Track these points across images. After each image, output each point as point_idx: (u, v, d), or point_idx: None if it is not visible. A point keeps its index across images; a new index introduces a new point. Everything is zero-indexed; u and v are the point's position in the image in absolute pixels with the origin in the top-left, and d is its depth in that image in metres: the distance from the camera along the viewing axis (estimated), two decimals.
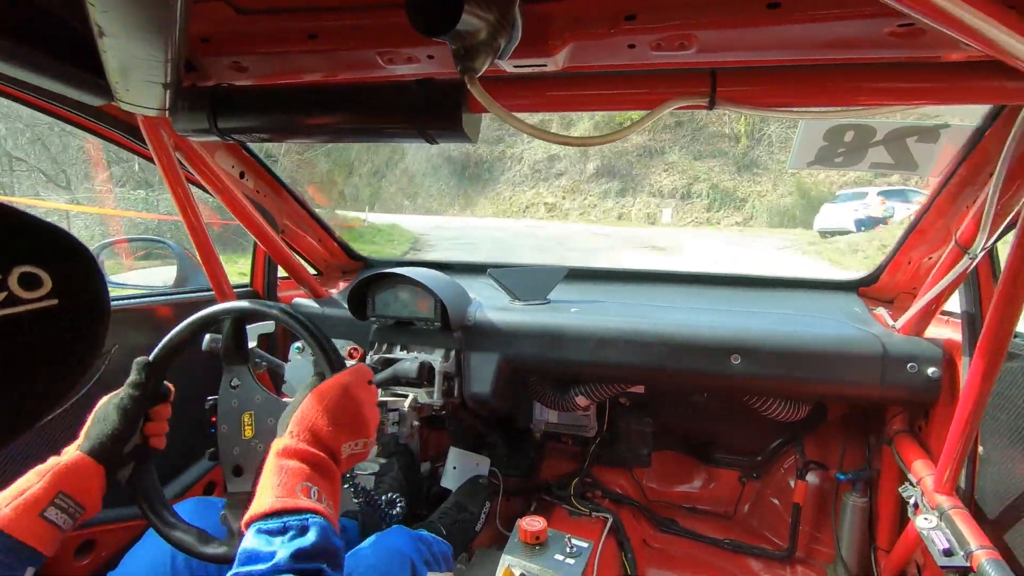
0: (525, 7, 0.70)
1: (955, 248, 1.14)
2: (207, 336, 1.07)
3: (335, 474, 0.79)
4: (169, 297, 1.65)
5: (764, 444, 1.88)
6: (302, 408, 0.82)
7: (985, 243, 1.04)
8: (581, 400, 1.74)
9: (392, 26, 0.79)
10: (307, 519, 0.68)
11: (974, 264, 1.10)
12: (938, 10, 0.52)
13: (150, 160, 1.33)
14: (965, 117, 1.09)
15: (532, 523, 1.30)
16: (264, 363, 1.29)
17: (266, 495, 0.70)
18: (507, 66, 0.82)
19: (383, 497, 1.29)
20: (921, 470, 1.31)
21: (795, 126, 1.15)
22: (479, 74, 0.73)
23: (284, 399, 1.02)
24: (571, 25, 0.74)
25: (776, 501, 1.87)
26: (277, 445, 0.77)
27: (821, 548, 1.75)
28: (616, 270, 2.01)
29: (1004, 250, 0.97)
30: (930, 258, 1.43)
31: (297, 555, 0.64)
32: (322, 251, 2.06)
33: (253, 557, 0.64)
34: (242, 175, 1.60)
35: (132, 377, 0.93)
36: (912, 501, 1.30)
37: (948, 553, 1.14)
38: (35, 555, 0.75)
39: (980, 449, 1.24)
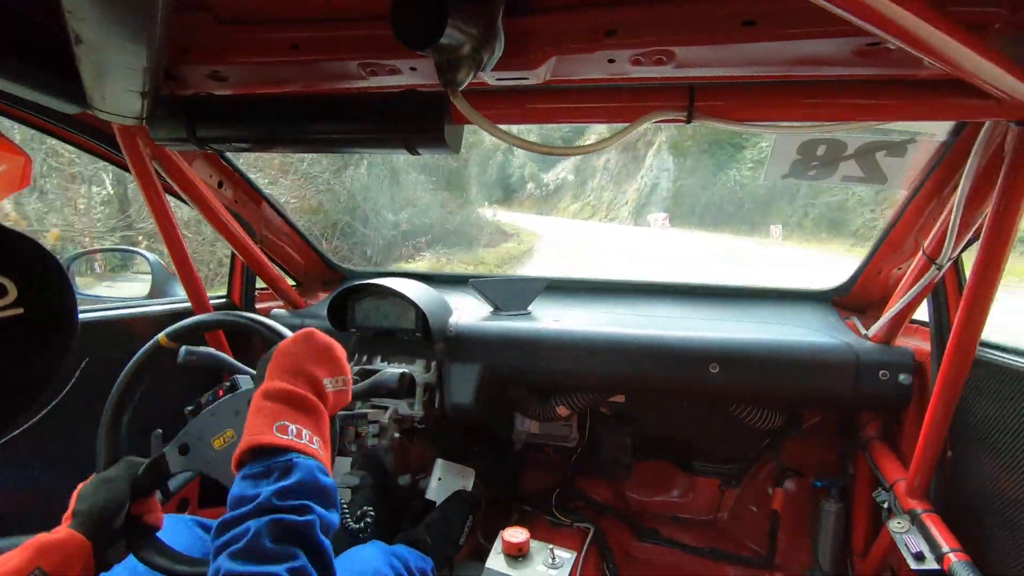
0: (508, 21, 0.71)
1: (923, 258, 1.17)
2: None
3: (320, 411, 0.77)
4: (142, 309, 1.61)
5: (742, 452, 1.90)
6: (273, 355, 0.80)
7: (951, 253, 1.07)
8: (562, 410, 1.74)
9: (375, 38, 0.80)
10: (291, 458, 0.67)
11: (941, 274, 1.14)
12: (903, 30, 0.55)
13: (125, 169, 1.31)
14: (933, 132, 1.13)
15: (515, 534, 1.29)
16: None
17: (242, 440, 0.69)
18: (489, 78, 0.82)
19: (357, 512, 1.25)
20: (894, 475, 1.34)
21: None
22: (462, 87, 0.74)
23: None
24: (553, 39, 0.76)
25: (754, 508, 1.89)
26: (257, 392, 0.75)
27: (798, 554, 1.77)
28: (595, 281, 2.02)
29: (969, 261, 1.01)
30: (899, 268, 1.48)
31: (280, 492, 0.64)
32: (301, 262, 2.04)
33: (239, 500, 0.64)
34: (220, 185, 1.58)
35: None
36: (885, 506, 1.33)
37: (920, 557, 1.16)
38: None
39: (949, 454, 1.28)
